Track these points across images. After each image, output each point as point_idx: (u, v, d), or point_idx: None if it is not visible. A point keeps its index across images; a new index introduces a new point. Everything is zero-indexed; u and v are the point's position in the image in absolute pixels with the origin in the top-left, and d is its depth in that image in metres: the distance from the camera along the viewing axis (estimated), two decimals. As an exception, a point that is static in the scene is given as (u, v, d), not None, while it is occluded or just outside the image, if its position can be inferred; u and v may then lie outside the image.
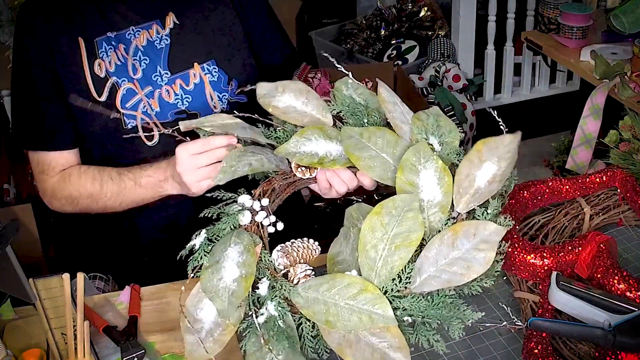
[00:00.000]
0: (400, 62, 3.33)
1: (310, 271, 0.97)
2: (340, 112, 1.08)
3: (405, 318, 0.90)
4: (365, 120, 1.07)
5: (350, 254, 0.98)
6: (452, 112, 3.03)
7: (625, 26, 2.38)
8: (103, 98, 1.26)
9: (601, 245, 1.15)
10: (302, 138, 1.03)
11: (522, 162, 3.43)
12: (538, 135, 3.61)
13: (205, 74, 1.28)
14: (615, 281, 1.10)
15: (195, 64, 1.28)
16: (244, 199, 1.03)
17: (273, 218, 1.04)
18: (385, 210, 0.93)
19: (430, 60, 3.29)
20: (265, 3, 1.42)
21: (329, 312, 0.88)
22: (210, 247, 0.98)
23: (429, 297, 0.92)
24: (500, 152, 0.98)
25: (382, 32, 3.50)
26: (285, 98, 1.07)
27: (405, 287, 0.91)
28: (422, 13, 3.51)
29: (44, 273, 1.18)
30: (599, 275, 1.13)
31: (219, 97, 1.29)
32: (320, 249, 1.03)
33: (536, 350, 1.02)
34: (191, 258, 0.98)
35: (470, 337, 1.12)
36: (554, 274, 1.11)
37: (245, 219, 1.01)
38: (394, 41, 3.45)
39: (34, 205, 2.16)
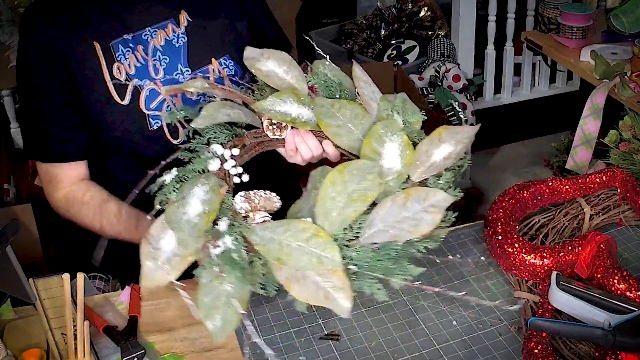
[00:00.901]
0: (400, 62, 3.33)
1: (269, 218, 1.01)
2: (316, 84, 1.15)
3: (351, 267, 0.95)
4: (338, 96, 1.14)
5: (309, 210, 1.02)
6: (452, 112, 3.03)
7: (625, 26, 2.39)
8: (126, 102, 1.25)
9: (601, 245, 1.16)
10: (278, 99, 1.10)
11: (522, 162, 3.45)
12: (538, 135, 3.61)
13: (223, 69, 1.30)
14: (615, 281, 1.10)
15: (213, 59, 1.30)
16: (216, 147, 1.08)
17: (240, 169, 1.09)
18: (348, 170, 0.99)
19: (430, 60, 3.29)
20: (264, 2, 1.43)
21: (282, 251, 0.94)
22: (179, 186, 1.03)
23: (376, 248, 0.97)
24: (459, 137, 1.05)
25: (382, 32, 3.50)
26: (269, 63, 1.15)
27: (355, 237, 0.96)
28: (422, 13, 3.51)
29: (44, 273, 1.18)
30: (599, 275, 1.13)
31: (237, 90, 1.31)
32: (281, 203, 1.07)
33: (536, 350, 1.03)
34: (160, 192, 1.02)
35: (470, 337, 1.12)
36: (554, 274, 1.11)
37: (214, 165, 1.06)
38: (394, 41, 3.45)
39: (34, 205, 2.16)
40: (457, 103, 3.04)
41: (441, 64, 3.19)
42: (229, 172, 1.08)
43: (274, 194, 1.07)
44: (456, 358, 1.08)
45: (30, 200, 2.23)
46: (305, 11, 3.47)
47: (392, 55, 3.39)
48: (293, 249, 0.93)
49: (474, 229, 1.37)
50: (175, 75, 1.27)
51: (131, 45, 1.25)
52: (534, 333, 1.05)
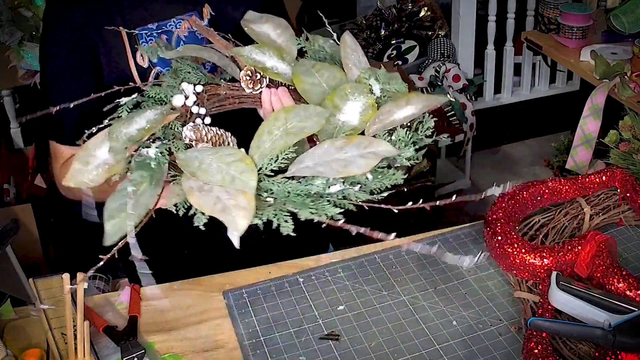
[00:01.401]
0: (400, 62, 3.33)
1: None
2: (304, 48, 1.16)
3: (269, 199, 0.94)
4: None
5: None
6: (452, 112, 3.03)
7: (625, 26, 2.39)
8: (148, 88, 1.28)
9: (601, 244, 1.16)
10: (258, 49, 1.11)
11: (522, 162, 3.45)
12: (538, 135, 3.61)
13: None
14: (615, 280, 1.10)
15: None
16: (184, 84, 1.09)
17: (204, 110, 1.10)
18: (295, 110, 1.00)
19: (430, 60, 3.29)
20: (283, 5, 1.43)
21: (200, 168, 0.94)
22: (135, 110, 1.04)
23: (298, 181, 0.96)
24: (426, 102, 1.03)
25: (382, 32, 3.50)
26: (264, 27, 1.16)
27: (279, 169, 0.96)
28: (422, 13, 3.51)
29: (44, 273, 1.19)
30: (598, 275, 1.13)
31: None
32: (235, 145, 1.05)
33: (536, 350, 1.03)
34: (115, 113, 1.03)
35: (470, 337, 1.12)
36: (554, 274, 1.11)
37: (177, 100, 1.07)
38: (394, 41, 3.45)
39: (34, 205, 2.16)
40: (454, 100, 3.05)
41: (441, 64, 3.19)
42: (190, 110, 1.08)
43: (229, 134, 1.06)
44: (456, 358, 1.08)
45: (30, 200, 2.23)
46: (305, 11, 3.47)
47: (392, 55, 3.39)
48: (212, 167, 0.93)
49: (474, 229, 1.37)
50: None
51: (155, 34, 1.27)
52: (534, 333, 1.05)
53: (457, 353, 1.09)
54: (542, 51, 2.68)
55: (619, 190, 1.38)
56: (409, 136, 1.02)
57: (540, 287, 1.17)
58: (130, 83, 1.25)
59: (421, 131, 1.03)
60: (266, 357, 1.10)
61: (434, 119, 1.06)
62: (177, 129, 1.03)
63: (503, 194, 1.32)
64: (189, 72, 1.12)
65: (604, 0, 2.86)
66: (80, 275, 1.11)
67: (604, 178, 1.38)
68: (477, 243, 1.33)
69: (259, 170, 0.94)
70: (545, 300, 1.12)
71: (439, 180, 3.16)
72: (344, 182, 0.95)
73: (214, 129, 1.05)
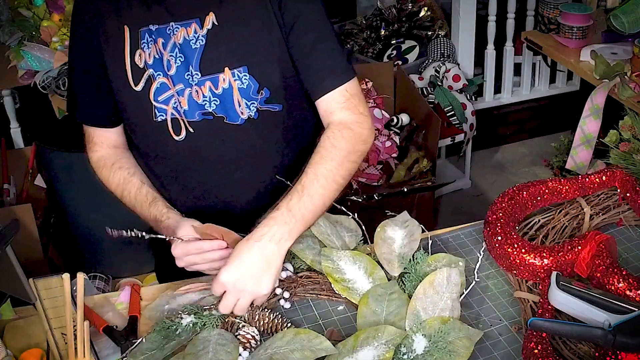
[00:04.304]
0: (400, 62, 3.32)
1: (252, 341, 1.09)
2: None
3: None
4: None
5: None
6: (452, 112, 3.03)
7: (625, 26, 2.39)
8: (139, 88, 1.28)
9: (601, 244, 1.16)
10: (353, 257, 1.23)
11: (522, 162, 3.45)
12: (538, 135, 3.61)
13: (234, 80, 1.26)
14: (615, 280, 1.10)
15: (226, 68, 1.26)
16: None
17: (287, 294, 1.19)
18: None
19: (430, 60, 3.29)
20: (312, 11, 1.29)
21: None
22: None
23: None
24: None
25: (382, 32, 3.50)
26: (397, 233, 1.29)
27: None
28: (422, 13, 3.51)
29: (44, 273, 1.18)
30: (598, 274, 1.13)
31: (247, 104, 1.28)
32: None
33: (536, 350, 1.03)
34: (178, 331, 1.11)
35: (470, 337, 1.12)
36: (554, 274, 1.11)
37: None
38: (394, 41, 3.45)
39: (34, 206, 2.16)
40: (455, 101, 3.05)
41: (441, 64, 3.19)
42: (274, 292, 1.18)
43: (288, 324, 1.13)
44: (456, 358, 1.08)
45: (30, 200, 2.23)
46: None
47: (392, 55, 3.39)
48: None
49: (474, 229, 1.37)
50: (186, 76, 1.26)
51: (154, 36, 1.26)
52: (534, 333, 1.05)
53: (457, 353, 1.09)
54: (542, 51, 2.68)
55: (619, 190, 1.38)
56: None
57: (540, 287, 1.17)
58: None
59: None
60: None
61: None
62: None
63: (503, 194, 1.32)
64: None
65: (604, 0, 2.86)
66: (80, 275, 1.11)
67: (604, 178, 1.38)
68: (477, 243, 1.33)
69: None
70: (545, 300, 1.12)
71: (439, 180, 3.16)
72: None
73: (272, 315, 1.12)
